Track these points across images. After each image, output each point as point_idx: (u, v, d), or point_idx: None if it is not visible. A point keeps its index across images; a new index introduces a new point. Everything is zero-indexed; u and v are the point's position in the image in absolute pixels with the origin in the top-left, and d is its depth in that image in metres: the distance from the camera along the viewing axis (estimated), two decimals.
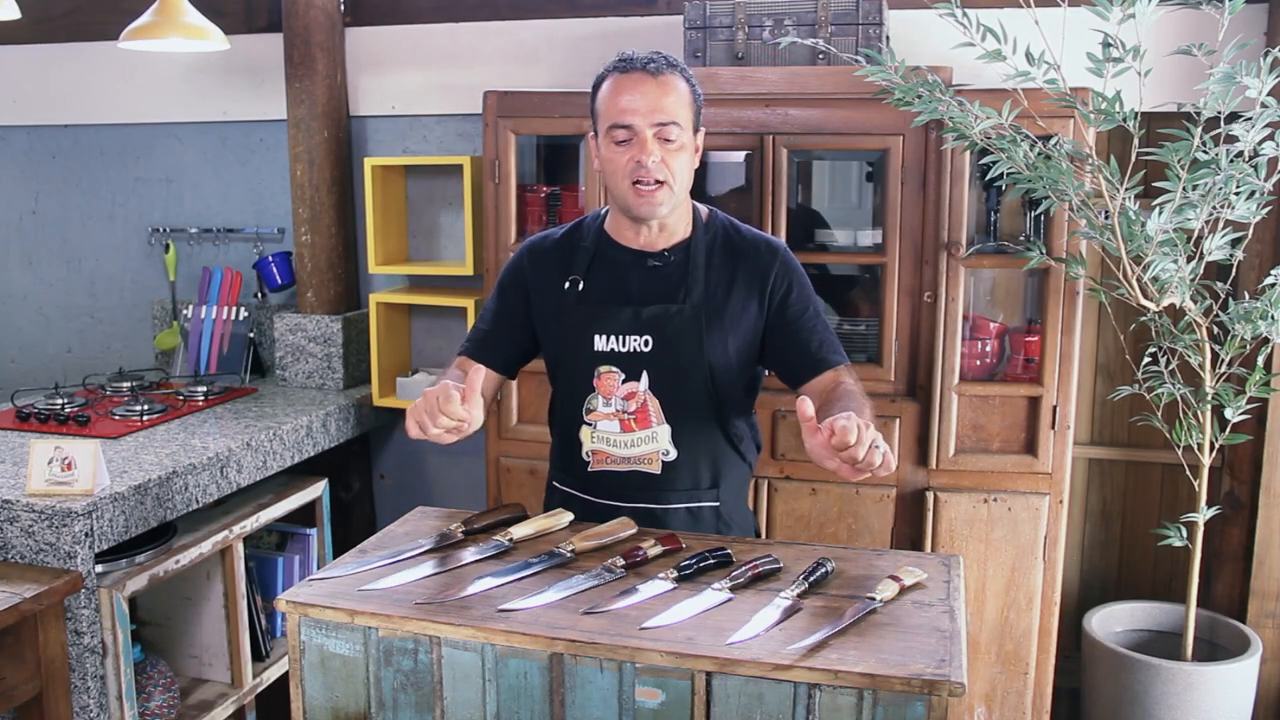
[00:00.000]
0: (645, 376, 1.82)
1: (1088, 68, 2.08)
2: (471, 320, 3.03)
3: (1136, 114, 2.13)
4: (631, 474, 1.85)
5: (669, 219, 1.84)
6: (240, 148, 3.47)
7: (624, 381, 1.83)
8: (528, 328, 1.93)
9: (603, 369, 1.83)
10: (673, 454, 1.84)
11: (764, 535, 2.65)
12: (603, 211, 1.94)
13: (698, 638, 1.36)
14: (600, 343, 1.83)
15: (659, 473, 1.85)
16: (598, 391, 1.84)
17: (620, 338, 1.82)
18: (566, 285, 1.87)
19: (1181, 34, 2.42)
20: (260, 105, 3.38)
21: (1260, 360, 2.54)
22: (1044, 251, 2.43)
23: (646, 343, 1.82)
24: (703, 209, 1.91)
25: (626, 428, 1.83)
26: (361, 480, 3.44)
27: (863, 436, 1.45)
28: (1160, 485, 3.00)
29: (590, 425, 1.85)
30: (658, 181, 1.75)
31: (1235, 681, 2.55)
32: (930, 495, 2.57)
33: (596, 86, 1.83)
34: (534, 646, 1.38)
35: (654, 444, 1.83)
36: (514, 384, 2.80)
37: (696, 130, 1.83)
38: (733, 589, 1.50)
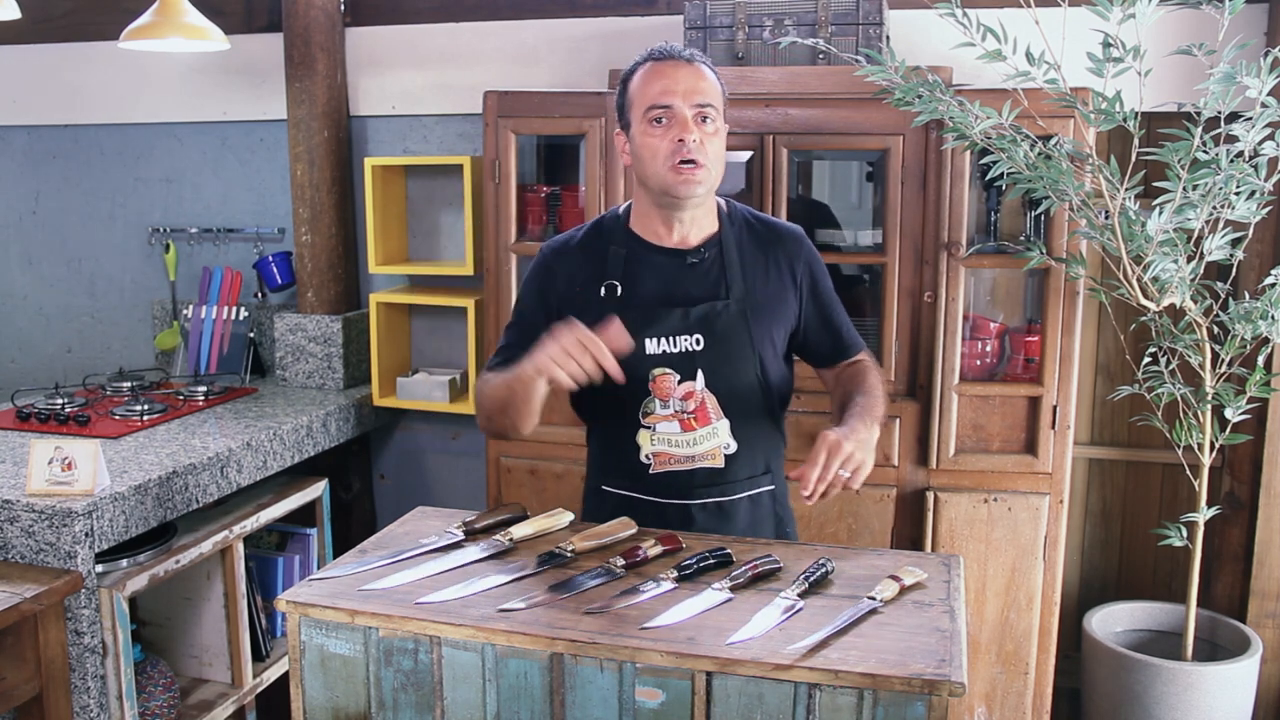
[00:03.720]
0: (700, 375, 1.83)
1: (1088, 68, 2.08)
2: (472, 321, 3.03)
3: (1136, 114, 2.13)
4: (697, 471, 1.85)
5: (699, 211, 1.84)
6: (240, 148, 3.47)
7: (680, 382, 1.82)
8: None
9: (657, 372, 1.82)
10: (733, 446, 1.85)
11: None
12: (620, 211, 1.92)
13: (698, 638, 1.36)
14: (652, 346, 1.82)
15: (723, 466, 1.86)
16: (654, 395, 1.83)
17: (672, 339, 1.82)
18: (604, 291, 1.84)
19: (1181, 34, 2.42)
20: (260, 105, 3.38)
21: (1260, 360, 2.54)
22: (1044, 251, 2.43)
23: (698, 341, 1.82)
24: (720, 200, 1.92)
25: (687, 427, 1.83)
26: (361, 480, 3.44)
27: (824, 474, 1.64)
28: (1160, 485, 3.00)
29: (649, 429, 1.84)
30: (698, 163, 1.75)
31: (1235, 681, 2.55)
32: (930, 495, 2.57)
33: (626, 79, 1.83)
34: (534, 646, 1.38)
35: (715, 439, 1.84)
36: None
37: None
38: (733, 589, 1.50)
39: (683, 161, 1.75)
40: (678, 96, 1.76)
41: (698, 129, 1.76)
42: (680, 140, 1.74)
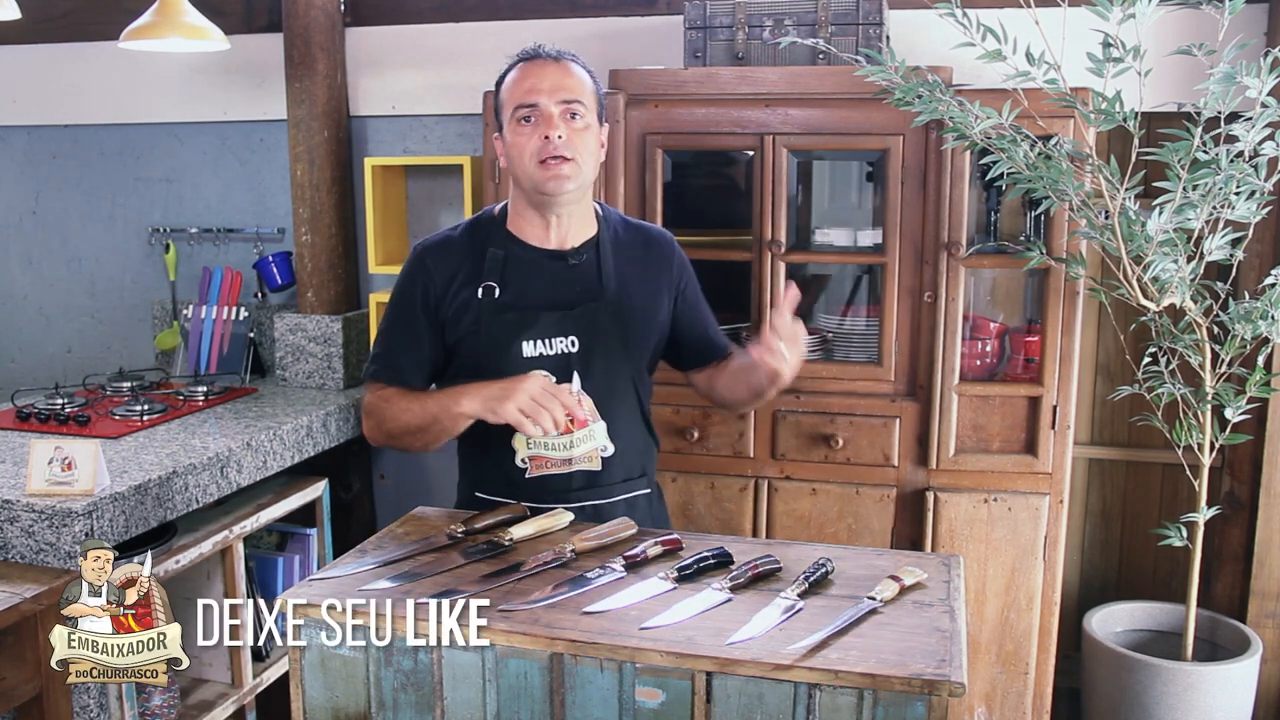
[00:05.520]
0: (576, 377, 1.83)
1: (1088, 68, 2.08)
2: None
3: (1136, 114, 2.13)
4: (574, 474, 1.85)
5: (576, 210, 1.85)
6: (240, 148, 3.47)
7: (557, 384, 1.81)
8: (438, 341, 1.87)
9: (533, 374, 1.80)
10: (610, 449, 1.85)
11: (762, 535, 2.66)
12: (496, 211, 1.91)
13: (698, 638, 1.36)
14: (529, 348, 1.81)
15: (600, 469, 1.86)
16: None
17: (548, 341, 1.82)
18: (481, 293, 1.83)
19: (1181, 34, 2.42)
20: (260, 105, 3.38)
21: (1260, 360, 2.54)
22: (1044, 251, 2.43)
23: (573, 343, 1.83)
24: (596, 204, 1.93)
25: (564, 429, 1.81)
26: (361, 480, 3.44)
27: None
28: (1160, 485, 3.00)
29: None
30: (565, 159, 1.76)
31: (1235, 681, 2.55)
32: (930, 495, 2.57)
33: (499, 83, 1.84)
34: (534, 646, 1.38)
35: (593, 441, 1.84)
36: None
37: (602, 124, 1.85)
38: (733, 589, 1.50)
39: (551, 158, 1.75)
40: (543, 94, 1.76)
41: (565, 125, 1.76)
42: (546, 137, 1.75)
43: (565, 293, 1.84)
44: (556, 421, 1.68)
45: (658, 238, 1.98)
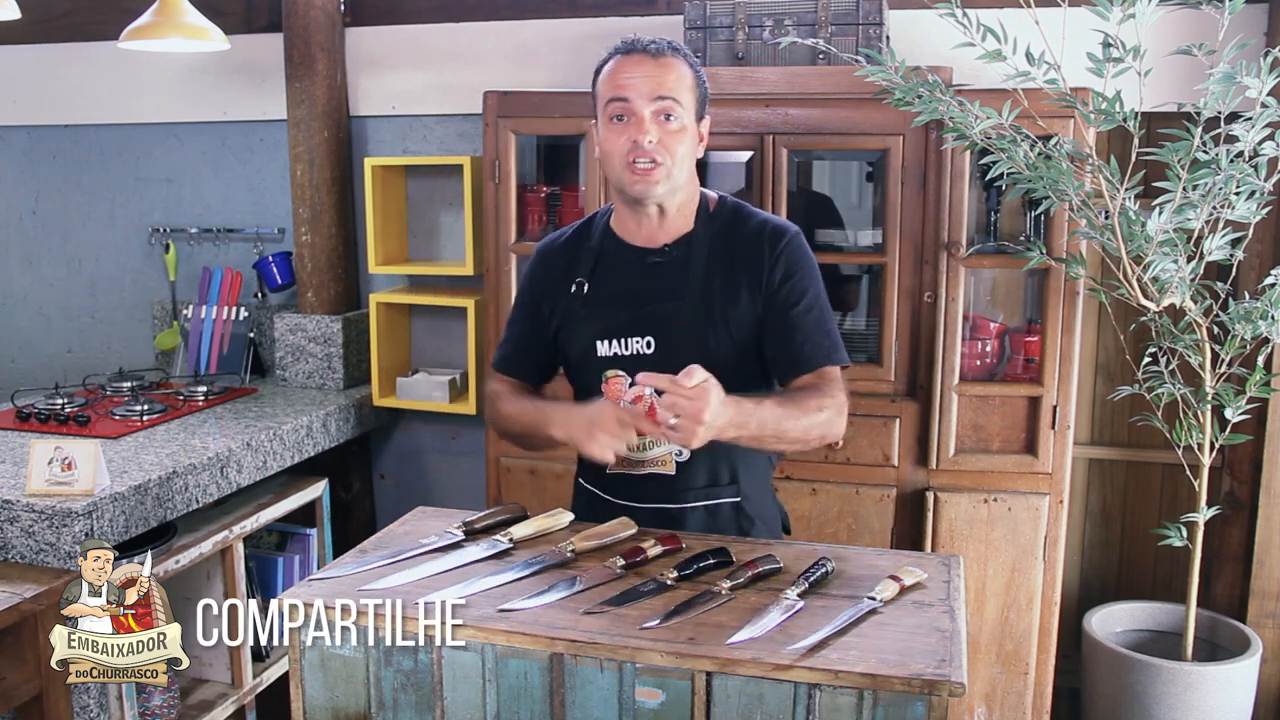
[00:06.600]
0: None
1: (1088, 68, 2.08)
2: (472, 321, 3.04)
3: (1136, 114, 2.13)
4: (648, 477, 1.81)
5: (670, 208, 1.78)
6: (240, 148, 3.47)
7: (630, 385, 1.78)
8: (544, 336, 1.88)
9: (609, 374, 1.79)
10: (685, 453, 1.78)
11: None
12: (611, 207, 1.90)
13: (698, 638, 1.36)
14: (603, 348, 1.79)
15: (673, 473, 1.80)
16: (606, 397, 1.78)
17: (622, 341, 1.78)
18: (573, 289, 1.83)
19: (1181, 34, 2.42)
20: (260, 105, 3.38)
21: (1260, 360, 2.54)
22: (1044, 251, 2.43)
23: (649, 344, 1.77)
24: (711, 195, 1.85)
25: (639, 432, 1.76)
26: (361, 480, 3.44)
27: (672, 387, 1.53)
28: (1160, 485, 3.00)
29: None
30: (655, 162, 1.70)
31: (1235, 681, 2.55)
32: (930, 495, 2.57)
33: (599, 71, 1.78)
34: (534, 646, 1.38)
35: (666, 445, 1.78)
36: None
37: (700, 118, 1.78)
38: (733, 589, 1.50)
39: (638, 161, 1.70)
40: (636, 93, 1.70)
41: (658, 127, 1.70)
42: (635, 140, 1.70)
43: (645, 291, 1.79)
44: (630, 443, 1.66)
45: (764, 231, 1.80)
